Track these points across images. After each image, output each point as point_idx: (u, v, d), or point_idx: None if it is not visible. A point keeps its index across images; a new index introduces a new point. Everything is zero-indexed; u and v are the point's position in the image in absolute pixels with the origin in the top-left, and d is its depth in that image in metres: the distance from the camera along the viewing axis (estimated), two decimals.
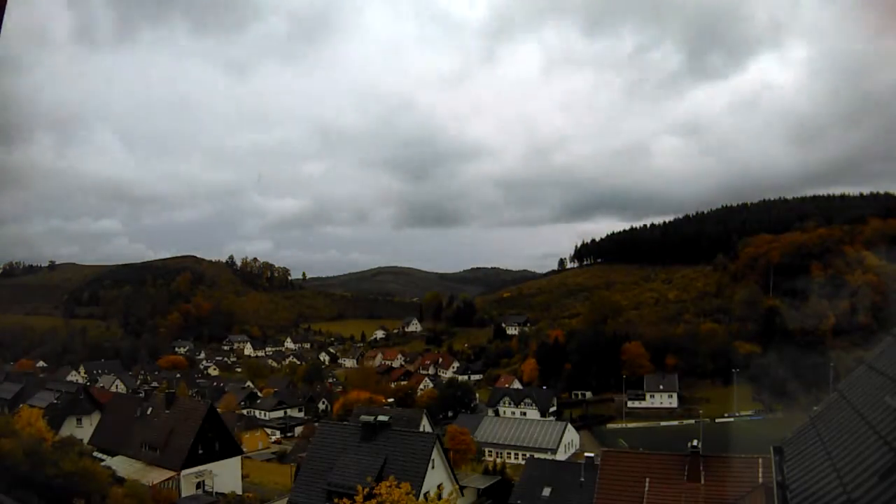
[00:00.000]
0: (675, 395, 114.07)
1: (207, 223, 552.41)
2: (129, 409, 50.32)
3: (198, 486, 42.93)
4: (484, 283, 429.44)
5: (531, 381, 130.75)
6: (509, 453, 72.03)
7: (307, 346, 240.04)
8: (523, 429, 76.97)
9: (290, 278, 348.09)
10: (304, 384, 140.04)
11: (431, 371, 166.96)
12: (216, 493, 42.39)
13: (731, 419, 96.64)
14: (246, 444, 73.03)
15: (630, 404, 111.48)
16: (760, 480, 22.09)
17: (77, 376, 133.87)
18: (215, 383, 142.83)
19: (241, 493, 45.05)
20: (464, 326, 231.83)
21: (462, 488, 40.64)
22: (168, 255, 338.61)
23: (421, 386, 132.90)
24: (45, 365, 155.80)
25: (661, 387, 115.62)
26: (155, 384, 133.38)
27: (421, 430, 57.61)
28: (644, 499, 26.11)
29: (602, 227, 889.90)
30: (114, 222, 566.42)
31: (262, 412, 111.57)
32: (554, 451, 69.89)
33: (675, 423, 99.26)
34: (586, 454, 45.26)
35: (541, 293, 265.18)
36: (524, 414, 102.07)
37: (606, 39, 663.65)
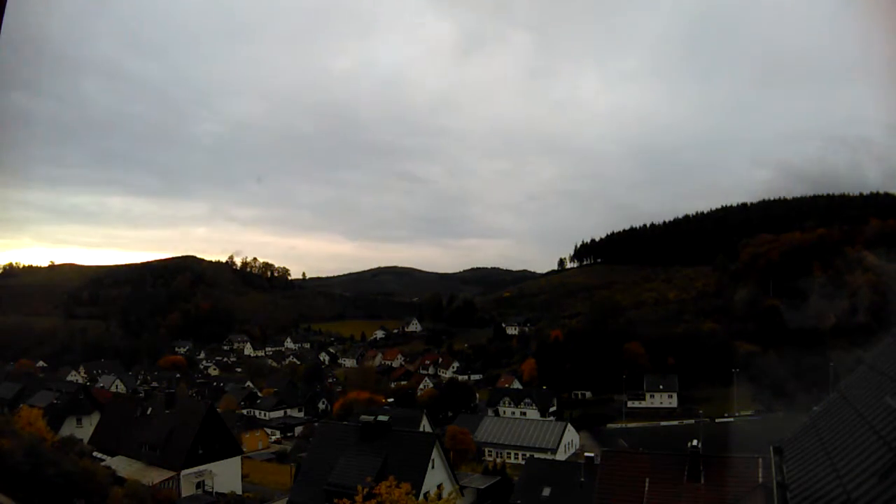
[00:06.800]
0: (675, 395, 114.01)
1: None
2: (129, 409, 50.36)
3: (198, 486, 42.92)
4: (484, 283, 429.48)
5: (531, 381, 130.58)
6: (509, 453, 71.98)
7: (307, 346, 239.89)
8: (523, 429, 76.88)
9: (289, 278, 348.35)
10: (304, 384, 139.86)
11: (431, 371, 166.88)
12: (216, 493, 42.39)
13: (731, 419, 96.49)
14: (246, 444, 73.03)
15: (630, 404, 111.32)
16: (760, 480, 22.09)
17: (77, 376, 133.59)
18: (215, 383, 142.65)
19: (240, 493, 45.06)
20: (464, 326, 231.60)
21: (462, 488, 40.63)
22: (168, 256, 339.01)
23: (421, 386, 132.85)
24: (45, 365, 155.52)
25: (661, 387, 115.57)
26: (155, 384, 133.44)
27: (421, 430, 57.74)
28: (644, 499, 26.09)
29: None
30: None
31: (262, 412, 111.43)
32: (554, 451, 69.83)
33: (675, 423, 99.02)
34: (586, 454, 45.27)
35: (541, 293, 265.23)
36: (524, 414, 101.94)
37: None
